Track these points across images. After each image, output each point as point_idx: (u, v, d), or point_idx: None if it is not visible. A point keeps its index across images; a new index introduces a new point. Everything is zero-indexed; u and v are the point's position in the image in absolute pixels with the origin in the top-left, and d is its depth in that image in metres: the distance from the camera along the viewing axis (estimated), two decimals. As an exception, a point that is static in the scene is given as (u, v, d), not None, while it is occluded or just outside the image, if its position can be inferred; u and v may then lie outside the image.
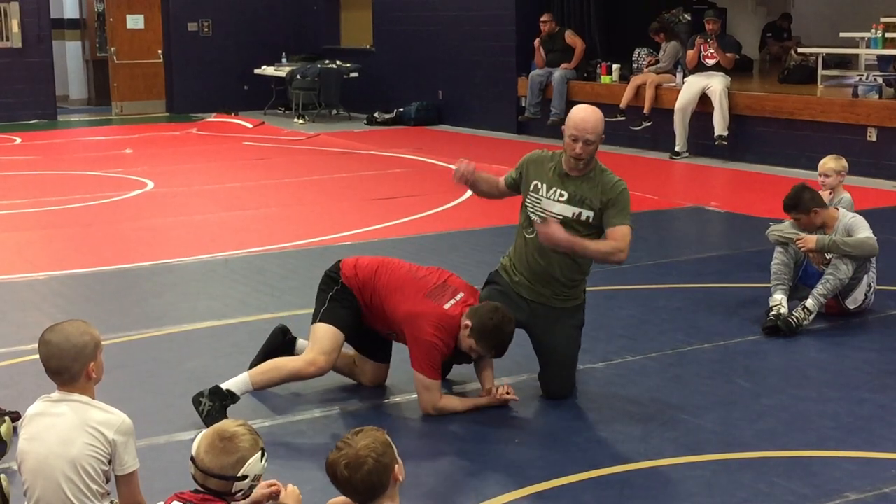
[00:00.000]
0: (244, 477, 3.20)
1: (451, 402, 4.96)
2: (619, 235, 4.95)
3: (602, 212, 4.98)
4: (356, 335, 5.19)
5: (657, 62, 14.03)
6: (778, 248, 6.29)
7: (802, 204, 6.17)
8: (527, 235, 5.13)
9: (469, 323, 4.81)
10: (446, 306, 4.90)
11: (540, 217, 5.03)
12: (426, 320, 4.84)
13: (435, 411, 4.91)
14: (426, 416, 4.91)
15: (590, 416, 4.93)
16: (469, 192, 10.66)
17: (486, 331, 4.78)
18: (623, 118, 13.79)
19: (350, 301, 5.04)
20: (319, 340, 4.97)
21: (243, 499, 3.28)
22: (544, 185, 5.07)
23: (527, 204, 5.15)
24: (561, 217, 4.99)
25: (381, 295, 4.99)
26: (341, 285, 5.06)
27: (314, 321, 5.05)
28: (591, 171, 5.03)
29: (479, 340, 4.79)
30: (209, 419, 4.56)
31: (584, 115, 5.00)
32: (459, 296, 4.97)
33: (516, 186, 5.25)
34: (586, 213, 4.99)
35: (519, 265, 5.15)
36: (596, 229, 5.02)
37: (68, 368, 3.37)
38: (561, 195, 5.02)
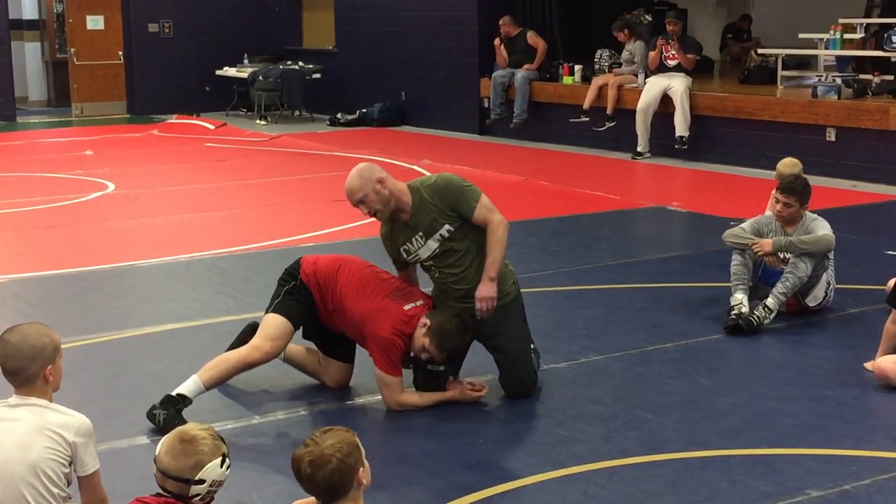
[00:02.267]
0: (202, 481, 3.18)
1: (413, 398, 5.00)
2: (485, 216, 4.94)
3: (457, 214, 4.97)
4: (317, 333, 5.22)
5: (619, 64, 14.06)
6: (735, 251, 6.34)
7: (808, 195, 6.24)
8: (435, 278, 5.13)
9: (428, 322, 4.85)
10: (406, 307, 4.94)
11: (436, 273, 5.06)
12: (386, 318, 4.88)
13: (398, 406, 4.95)
14: (390, 412, 4.94)
15: (553, 416, 4.94)
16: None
17: (443, 332, 4.83)
18: (587, 119, 13.83)
19: (305, 297, 5.07)
20: (267, 328, 5.02)
21: (201, 503, 3.25)
22: (407, 244, 5.04)
23: (414, 262, 5.15)
24: (437, 251, 4.99)
25: (341, 293, 5.01)
26: (299, 281, 5.10)
27: (266, 311, 5.09)
28: (415, 201, 4.98)
29: (433, 339, 4.83)
30: (167, 426, 4.52)
31: (346, 185, 4.97)
32: (419, 302, 5.01)
33: (404, 261, 5.17)
34: (447, 228, 4.96)
35: (447, 301, 5.09)
36: (465, 230, 4.99)
37: (25, 369, 3.35)
38: (420, 238, 5.00)
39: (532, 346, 5.26)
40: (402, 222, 5.02)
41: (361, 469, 3.10)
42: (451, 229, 4.97)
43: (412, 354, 5.00)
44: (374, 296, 4.96)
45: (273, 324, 5.02)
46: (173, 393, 4.79)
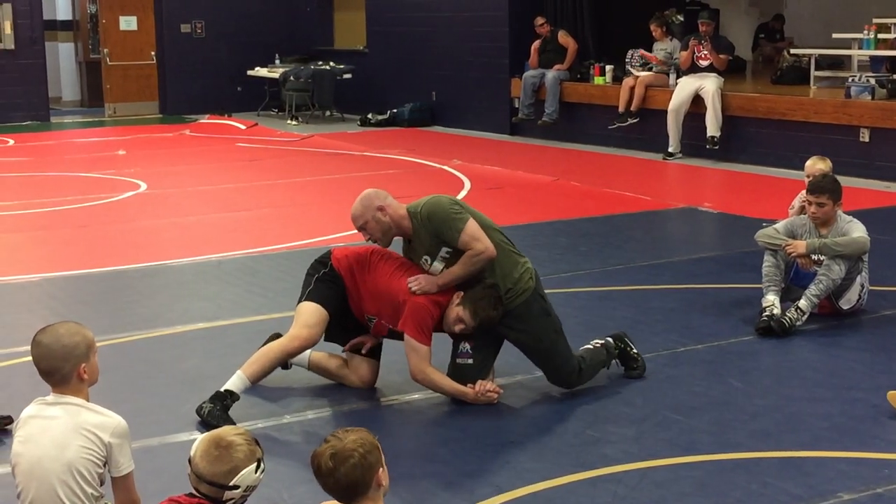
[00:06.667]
0: (236, 487, 3.18)
1: (437, 376, 5.01)
2: (467, 244, 4.94)
3: (444, 242, 5.02)
4: (341, 333, 5.24)
5: (649, 67, 13.96)
6: (768, 252, 6.29)
7: (840, 191, 6.20)
8: None
9: (462, 293, 4.93)
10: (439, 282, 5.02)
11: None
12: None
13: (421, 376, 4.98)
14: (413, 381, 4.99)
15: (583, 417, 4.93)
16: (465, 192, 10.72)
17: (476, 299, 4.89)
18: (624, 123, 13.74)
19: (336, 282, 5.12)
20: (303, 315, 5.06)
21: None
22: (420, 263, 5.10)
23: None
24: (443, 266, 5.03)
25: (376, 273, 5.08)
26: (329, 268, 5.15)
27: (299, 302, 5.13)
28: (414, 226, 5.04)
29: (467, 305, 4.88)
30: (210, 418, 4.68)
31: (351, 210, 5.08)
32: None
33: None
34: (445, 251, 5.01)
35: None
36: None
37: (59, 369, 3.37)
38: (426, 260, 5.07)
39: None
40: (410, 245, 5.11)
41: (381, 470, 3.10)
42: (450, 250, 5.01)
43: (445, 331, 5.03)
44: (410, 273, 5.03)
45: (308, 311, 5.06)
46: (221, 389, 4.85)
